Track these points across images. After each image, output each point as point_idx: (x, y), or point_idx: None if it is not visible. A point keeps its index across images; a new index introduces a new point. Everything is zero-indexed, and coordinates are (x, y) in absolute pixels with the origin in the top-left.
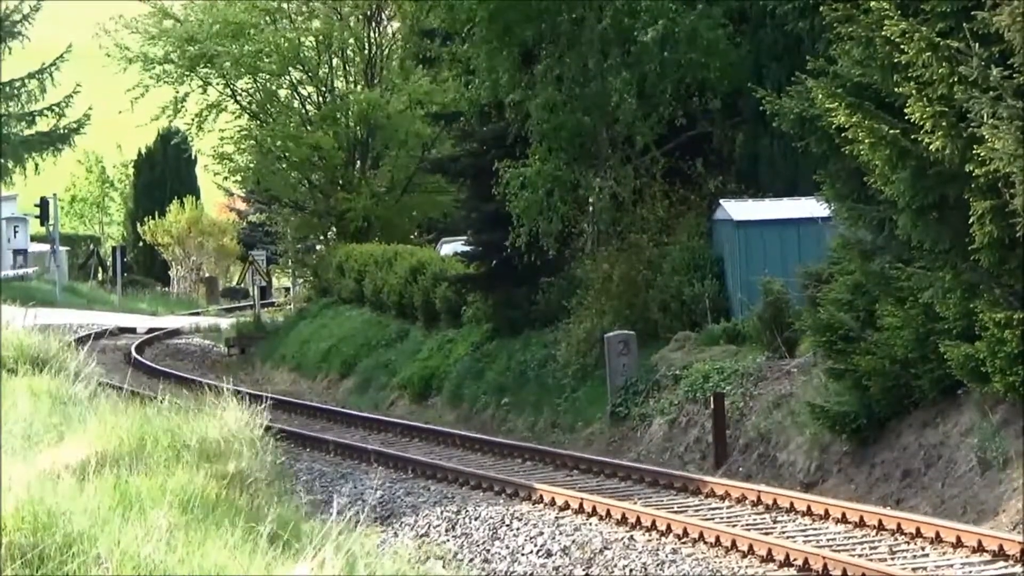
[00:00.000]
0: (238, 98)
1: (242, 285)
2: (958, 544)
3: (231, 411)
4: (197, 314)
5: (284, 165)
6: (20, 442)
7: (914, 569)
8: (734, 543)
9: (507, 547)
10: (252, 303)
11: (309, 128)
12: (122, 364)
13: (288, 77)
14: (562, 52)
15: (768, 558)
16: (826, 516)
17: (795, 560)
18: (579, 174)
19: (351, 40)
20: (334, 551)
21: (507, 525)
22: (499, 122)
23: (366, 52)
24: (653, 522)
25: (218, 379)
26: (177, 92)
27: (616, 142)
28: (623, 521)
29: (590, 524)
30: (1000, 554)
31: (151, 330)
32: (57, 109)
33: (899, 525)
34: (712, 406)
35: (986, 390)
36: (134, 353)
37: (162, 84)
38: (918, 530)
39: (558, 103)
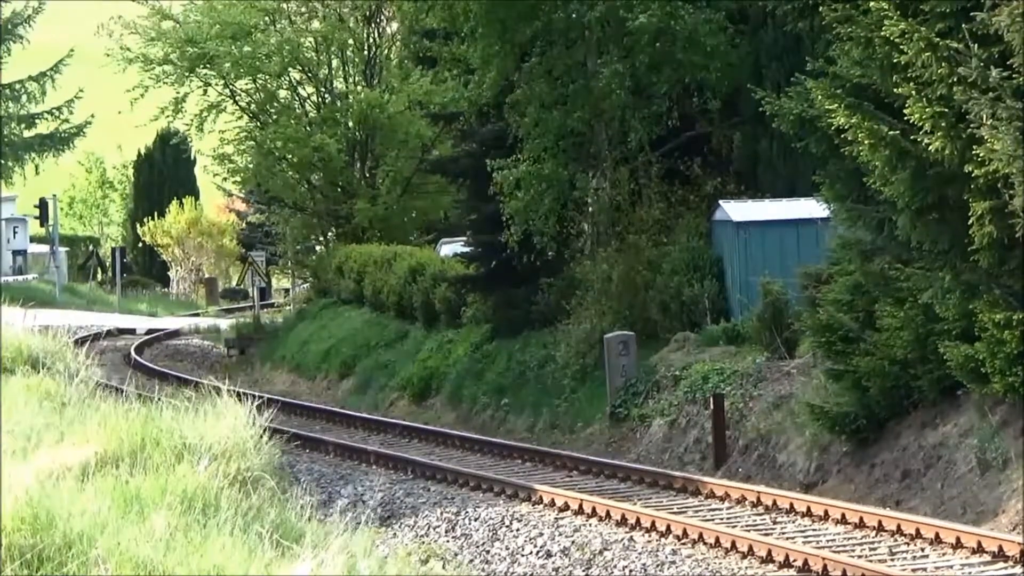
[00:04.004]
0: (238, 99)
1: (241, 286)
2: (958, 545)
3: (230, 412)
4: (196, 315)
5: (284, 166)
6: (20, 442)
7: (914, 570)
8: (734, 544)
9: (507, 548)
10: (251, 304)
11: (309, 129)
12: (122, 365)
13: (288, 78)
14: (557, 51)
15: (768, 559)
16: (826, 517)
17: (795, 561)
18: (574, 174)
19: (350, 41)
20: (335, 551)
21: (507, 526)
22: (498, 122)
23: (365, 52)
24: (653, 523)
25: (218, 380)
26: (177, 93)
27: (613, 142)
28: (623, 522)
29: (590, 525)
30: (1000, 555)
31: (150, 331)
32: (58, 113)
33: (899, 526)
34: (712, 407)
35: (985, 391)
36: (133, 354)
37: (161, 85)
38: (918, 531)
39: (547, 100)
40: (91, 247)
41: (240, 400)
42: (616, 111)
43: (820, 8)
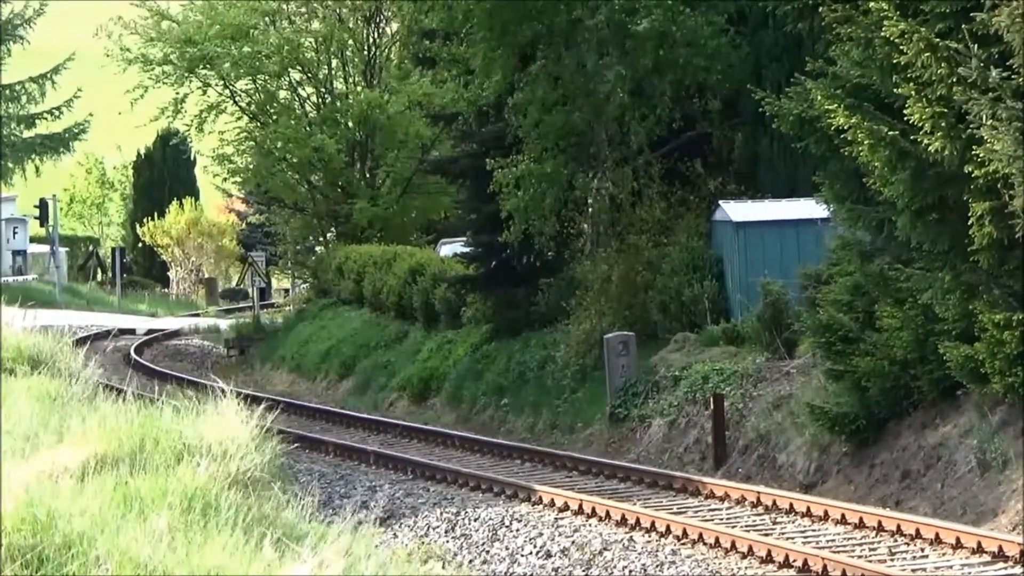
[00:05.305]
0: (237, 99)
1: (241, 286)
2: (958, 545)
3: (231, 412)
4: (196, 315)
5: (284, 166)
6: (20, 443)
7: (913, 570)
8: (734, 544)
9: (506, 548)
10: (251, 304)
11: (309, 129)
12: (122, 365)
13: (288, 78)
14: (559, 52)
15: (768, 559)
16: (826, 517)
17: (795, 561)
18: (574, 174)
19: (350, 41)
20: (335, 551)
21: (506, 526)
22: (498, 123)
23: (365, 53)
24: (653, 523)
25: (218, 380)
26: (177, 93)
27: (614, 142)
28: (623, 522)
29: (589, 525)
30: (1000, 555)
31: (150, 331)
32: (57, 112)
33: (899, 526)
34: (711, 407)
35: (985, 391)
36: (133, 354)
37: (161, 85)
38: (918, 531)
39: (548, 101)
40: (91, 247)
41: (240, 400)
42: (616, 111)
43: (820, 8)
